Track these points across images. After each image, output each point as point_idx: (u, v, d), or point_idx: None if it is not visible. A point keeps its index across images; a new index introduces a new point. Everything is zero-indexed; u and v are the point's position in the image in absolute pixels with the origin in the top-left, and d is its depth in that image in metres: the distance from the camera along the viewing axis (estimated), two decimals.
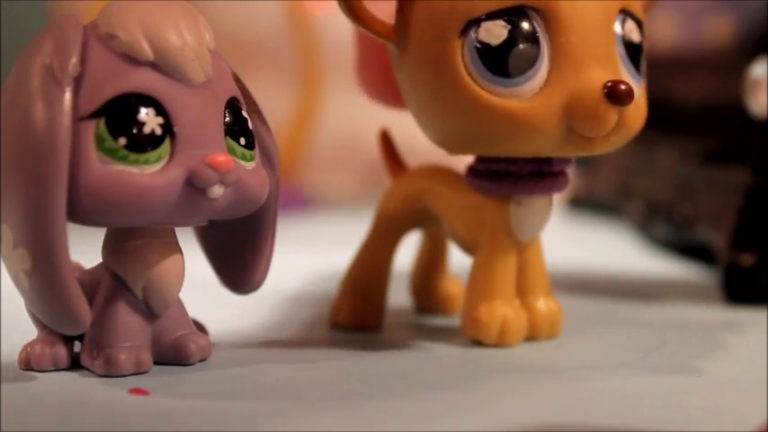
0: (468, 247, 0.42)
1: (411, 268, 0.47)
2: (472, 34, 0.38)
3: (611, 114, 0.37)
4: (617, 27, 0.39)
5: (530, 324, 0.41)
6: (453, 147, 0.40)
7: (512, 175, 0.40)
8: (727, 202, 0.53)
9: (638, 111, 0.39)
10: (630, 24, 0.39)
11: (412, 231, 0.44)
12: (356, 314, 0.43)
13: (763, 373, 0.37)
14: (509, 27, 0.37)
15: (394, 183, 0.44)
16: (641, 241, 0.66)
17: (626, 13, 0.39)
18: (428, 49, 0.39)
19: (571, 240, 0.67)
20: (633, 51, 0.39)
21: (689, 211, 0.59)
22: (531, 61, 0.37)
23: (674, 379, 0.37)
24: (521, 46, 0.37)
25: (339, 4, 0.38)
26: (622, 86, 0.37)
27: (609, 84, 0.37)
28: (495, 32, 0.37)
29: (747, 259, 0.50)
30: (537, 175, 0.40)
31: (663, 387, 0.36)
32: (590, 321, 0.45)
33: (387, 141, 0.45)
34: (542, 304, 0.41)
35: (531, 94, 0.38)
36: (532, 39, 0.37)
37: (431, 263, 0.46)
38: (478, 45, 0.38)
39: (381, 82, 0.43)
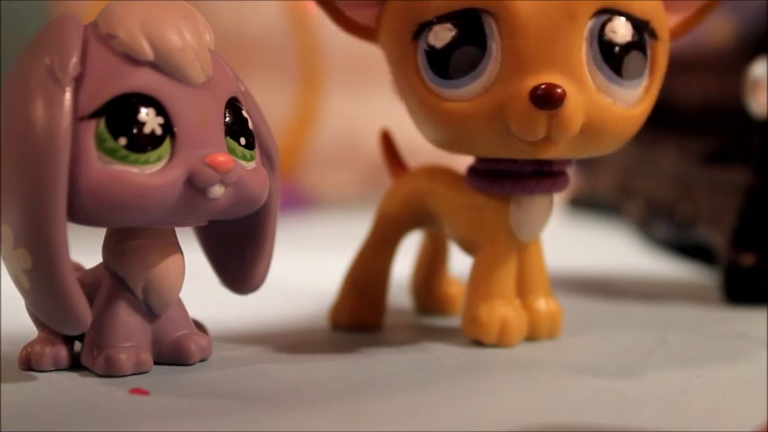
0: (468, 248, 0.42)
1: (412, 269, 0.47)
2: (424, 37, 0.38)
3: (539, 118, 0.37)
4: (593, 27, 0.38)
5: (530, 324, 0.41)
6: (438, 146, 0.41)
7: (513, 175, 0.40)
8: (727, 202, 0.53)
9: (603, 113, 0.38)
10: (617, 24, 0.38)
11: (412, 232, 0.44)
12: (356, 314, 0.43)
13: (763, 373, 0.37)
14: (455, 30, 0.38)
15: (395, 183, 0.44)
16: (641, 241, 0.66)
17: (611, 12, 0.38)
18: (392, 51, 0.40)
19: (571, 240, 0.67)
20: (614, 53, 0.38)
21: (689, 211, 0.59)
22: (473, 64, 0.38)
23: (674, 379, 0.37)
24: (463, 48, 0.38)
25: (324, 12, 0.40)
26: (550, 90, 0.36)
27: (540, 86, 0.37)
28: (441, 35, 0.38)
29: (747, 259, 0.50)
30: (538, 174, 0.40)
31: (663, 387, 0.36)
32: (590, 321, 0.45)
33: (388, 141, 0.46)
34: (542, 304, 0.41)
35: (473, 96, 0.38)
36: (477, 42, 0.37)
37: (431, 264, 0.46)
38: (427, 48, 0.38)
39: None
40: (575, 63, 0.38)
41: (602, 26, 0.38)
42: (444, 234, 0.45)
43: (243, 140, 0.36)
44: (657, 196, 0.64)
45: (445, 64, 0.38)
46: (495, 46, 0.37)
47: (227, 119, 0.36)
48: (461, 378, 0.37)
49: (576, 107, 0.37)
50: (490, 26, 0.37)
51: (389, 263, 0.44)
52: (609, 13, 0.38)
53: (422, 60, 0.38)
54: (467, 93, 0.38)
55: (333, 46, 0.80)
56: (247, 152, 0.36)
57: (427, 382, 0.37)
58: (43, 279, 0.34)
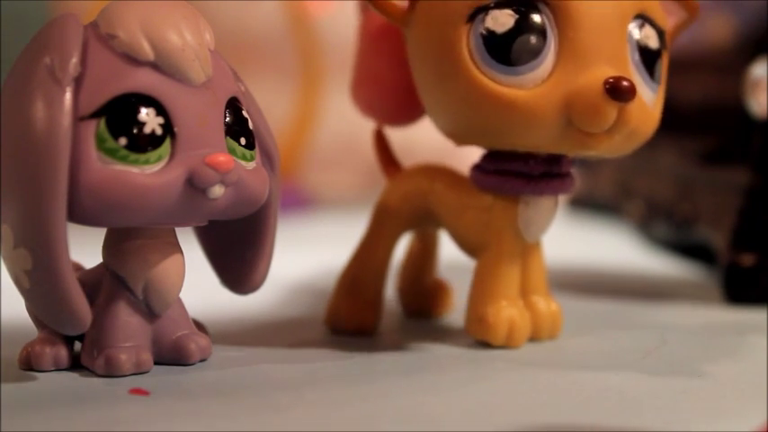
0: (471, 248, 0.41)
1: (399, 269, 0.46)
2: (479, 21, 0.38)
3: (610, 110, 0.37)
4: (632, 30, 0.39)
5: (532, 324, 0.41)
6: (458, 137, 0.40)
7: (523, 176, 0.40)
8: (727, 202, 0.53)
9: (643, 113, 0.39)
10: (649, 30, 0.39)
11: (409, 231, 0.44)
12: (354, 316, 0.43)
13: (763, 373, 0.37)
14: (516, 16, 0.38)
15: (391, 182, 0.44)
16: (641, 241, 0.66)
17: (644, 19, 0.39)
18: (435, 32, 0.39)
19: (572, 240, 0.67)
20: (648, 57, 0.39)
21: (689, 211, 0.59)
22: (536, 52, 0.38)
23: (674, 379, 0.37)
24: (526, 36, 0.38)
25: None
26: (624, 83, 0.37)
27: (610, 79, 0.37)
28: (501, 20, 0.38)
29: (748, 259, 0.50)
30: (547, 175, 0.40)
31: (663, 387, 0.36)
32: (590, 321, 0.45)
33: (381, 141, 0.45)
34: (544, 305, 0.41)
35: (532, 85, 0.38)
36: (539, 30, 0.38)
37: (420, 264, 0.46)
38: (484, 32, 0.38)
39: (376, 99, 0.43)
40: (624, 60, 0.38)
41: (639, 30, 0.39)
42: (435, 234, 0.45)
43: (243, 140, 0.36)
44: (657, 196, 0.64)
45: (507, 50, 0.38)
46: (552, 36, 0.38)
47: (228, 119, 0.36)
48: (462, 378, 0.37)
49: (638, 102, 0.38)
50: (547, 15, 0.38)
51: (387, 262, 0.43)
52: (642, 19, 0.39)
53: (477, 44, 0.38)
54: (527, 81, 0.38)
55: (333, 46, 0.80)
56: (247, 152, 0.36)
57: (427, 382, 0.37)
58: (43, 279, 0.34)
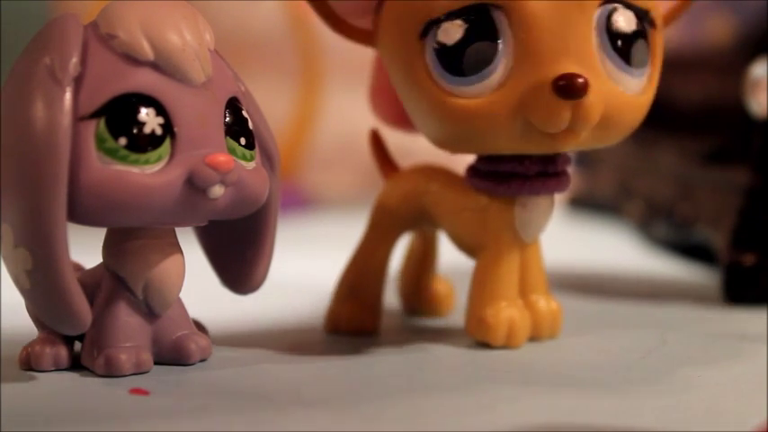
0: (469, 249, 0.41)
1: (399, 269, 0.46)
2: (432, 35, 0.38)
3: (562, 108, 0.37)
4: (600, 17, 0.38)
5: (532, 324, 0.41)
6: (443, 146, 0.40)
7: (518, 176, 0.40)
8: (727, 202, 0.53)
9: (620, 102, 0.38)
10: (621, 14, 0.38)
11: (408, 231, 0.44)
12: (354, 319, 0.42)
13: (763, 373, 0.37)
14: (465, 26, 0.37)
15: (388, 182, 0.44)
16: (641, 241, 0.66)
17: (616, 2, 0.38)
18: (396, 51, 0.39)
19: (571, 240, 0.67)
20: (623, 43, 0.38)
21: (689, 211, 0.59)
22: (487, 60, 0.37)
23: (674, 379, 0.37)
24: (475, 45, 0.37)
25: (320, 17, 0.39)
26: (576, 80, 0.36)
27: (559, 76, 0.37)
28: (451, 32, 0.38)
29: (748, 259, 0.50)
30: (543, 175, 0.40)
31: (663, 387, 0.36)
32: (590, 321, 0.45)
33: (377, 141, 0.45)
34: (544, 304, 0.41)
35: (488, 92, 0.38)
36: (489, 37, 0.37)
37: (420, 264, 0.46)
38: (436, 45, 0.38)
39: (393, 106, 0.43)
40: (587, 53, 0.38)
41: (609, 16, 0.38)
42: (435, 234, 0.45)
43: (243, 140, 0.36)
44: (657, 196, 0.64)
45: (458, 61, 0.38)
46: (506, 40, 0.37)
47: (228, 119, 0.36)
48: (462, 378, 0.37)
49: (596, 96, 0.37)
50: (500, 20, 0.37)
51: (386, 264, 0.43)
52: (613, 2, 0.38)
53: (431, 59, 0.38)
54: (482, 89, 0.38)
55: (333, 46, 0.80)
56: (247, 152, 0.36)
57: (427, 382, 0.37)
58: (44, 279, 0.34)
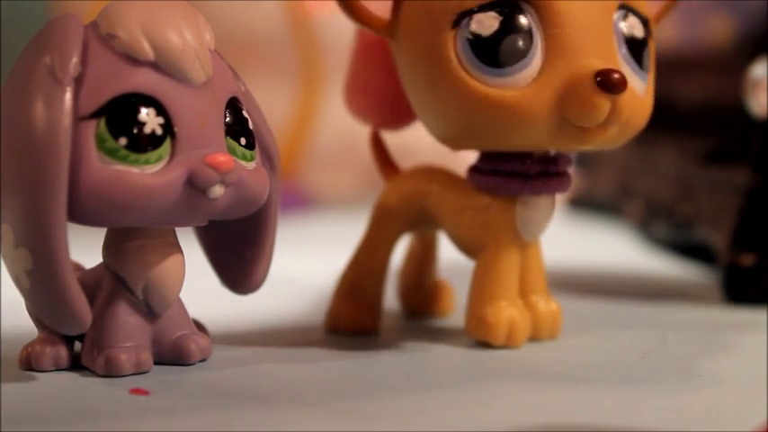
0: (469, 249, 0.41)
1: (399, 270, 0.46)
2: (464, 25, 0.38)
3: (603, 102, 0.37)
4: (617, 22, 0.39)
5: (532, 324, 0.41)
6: (453, 142, 0.40)
7: (520, 176, 0.40)
8: (727, 202, 0.53)
9: (636, 104, 0.39)
10: (633, 20, 0.39)
11: (408, 232, 0.44)
12: (354, 319, 0.43)
13: (763, 373, 0.37)
14: (501, 18, 0.38)
15: (389, 183, 0.44)
16: (641, 241, 0.66)
17: (627, 9, 0.39)
18: (422, 41, 0.39)
19: (571, 240, 0.67)
20: (635, 47, 0.39)
21: (689, 211, 0.59)
22: (523, 52, 0.38)
23: (674, 379, 0.37)
24: (512, 36, 0.38)
25: (337, 2, 0.39)
26: (615, 75, 0.37)
27: (600, 71, 0.37)
28: (486, 23, 0.38)
29: (748, 259, 0.50)
30: (544, 174, 0.40)
31: (663, 387, 0.36)
32: (590, 321, 0.45)
33: (378, 143, 0.45)
34: (544, 305, 0.41)
35: (523, 85, 0.38)
36: (524, 30, 0.38)
37: (420, 265, 0.46)
38: (470, 36, 0.38)
39: (369, 103, 0.43)
40: (612, 53, 0.38)
41: (623, 19, 0.39)
42: (435, 235, 0.45)
43: (243, 140, 0.36)
44: (657, 196, 0.64)
45: (494, 52, 0.38)
46: (538, 34, 0.38)
47: (228, 119, 0.36)
48: (462, 378, 0.37)
49: (629, 93, 0.38)
50: (531, 15, 0.38)
51: (386, 265, 0.43)
52: (625, 9, 0.39)
53: (464, 49, 0.38)
54: (517, 81, 0.38)
55: (333, 46, 0.80)
56: (247, 152, 0.36)
57: (427, 382, 0.37)
58: (43, 279, 0.34)
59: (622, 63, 0.39)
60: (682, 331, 0.44)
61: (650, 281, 0.56)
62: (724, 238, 0.52)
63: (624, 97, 0.37)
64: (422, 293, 0.46)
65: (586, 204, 0.77)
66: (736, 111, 0.52)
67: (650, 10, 0.41)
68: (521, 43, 0.38)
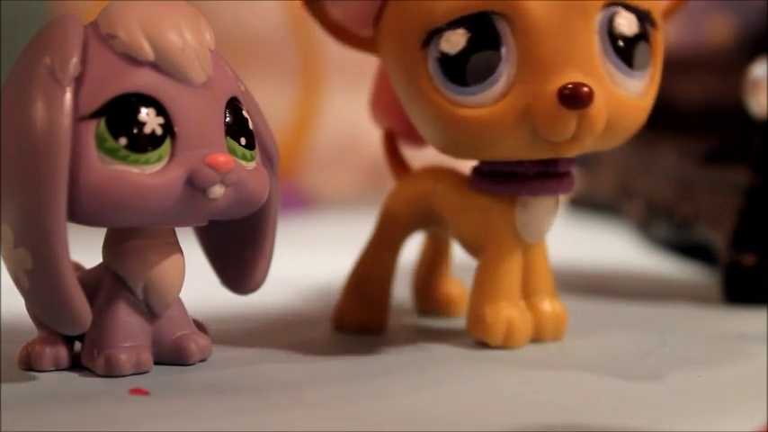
0: (473, 249, 0.41)
1: (413, 270, 0.47)
2: (434, 44, 0.38)
3: (568, 118, 0.37)
4: (603, 21, 0.38)
5: (535, 325, 0.41)
6: (444, 152, 0.40)
7: (518, 177, 0.40)
8: (727, 202, 0.53)
9: (623, 107, 0.38)
10: (624, 17, 0.38)
11: (416, 232, 0.44)
12: (360, 316, 0.43)
13: (763, 373, 0.37)
14: (469, 35, 0.37)
15: (399, 183, 0.44)
16: (641, 241, 0.66)
17: (617, 5, 0.38)
18: (398, 59, 0.39)
19: (572, 240, 0.67)
20: (625, 45, 0.38)
21: (689, 211, 0.59)
22: (490, 69, 0.37)
23: (674, 379, 0.37)
24: (478, 54, 0.37)
25: (315, 20, 0.39)
26: (581, 89, 0.36)
27: (564, 87, 0.36)
28: (453, 41, 0.37)
29: (748, 259, 0.50)
30: (543, 175, 0.40)
31: (663, 387, 0.36)
32: (590, 321, 0.45)
33: (391, 142, 0.45)
34: (547, 306, 0.41)
35: (492, 102, 0.37)
36: (492, 45, 0.37)
37: (433, 265, 0.46)
38: (439, 55, 0.38)
39: (397, 116, 0.43)
40: (591, 58, 0.38)
41: (610, 19, 0.38)
42: (447, 235, 0.45)
43: (243, 140, 0.36)
44: (657, 196, 0.64)
45: (461, 70, 0.37)
46: (509, 48, 0.37)
47: (228, 119, 0.36)
48: (463, 378, 0.37)
49: (601, 104, 0.37)
50: (503, 28, 0.37)
51: (393, 264, 0.43)
52: (615, 5, 0.38)
53: (434, 68, 0.38)
54: (486, 98, 0.37)
55: (333, 46, 0.80)
56: (247, 152, 0.36)
57: (429, 382, 0.37)
58: (43, 279, 0.34)
59: (607, 66, 0.38)
60: (682, 331, 0.44)
61: (650, 281, 0.56)
62: (724, 238, 0.52)
63: (594, 109, 0.37)
64: (434, 293, 0.46)
65: (586, 204, 0.77)
66: (736, 111, 0.52)
67: (656, 2, 0.40)
68: (488, 60, 0.37)
